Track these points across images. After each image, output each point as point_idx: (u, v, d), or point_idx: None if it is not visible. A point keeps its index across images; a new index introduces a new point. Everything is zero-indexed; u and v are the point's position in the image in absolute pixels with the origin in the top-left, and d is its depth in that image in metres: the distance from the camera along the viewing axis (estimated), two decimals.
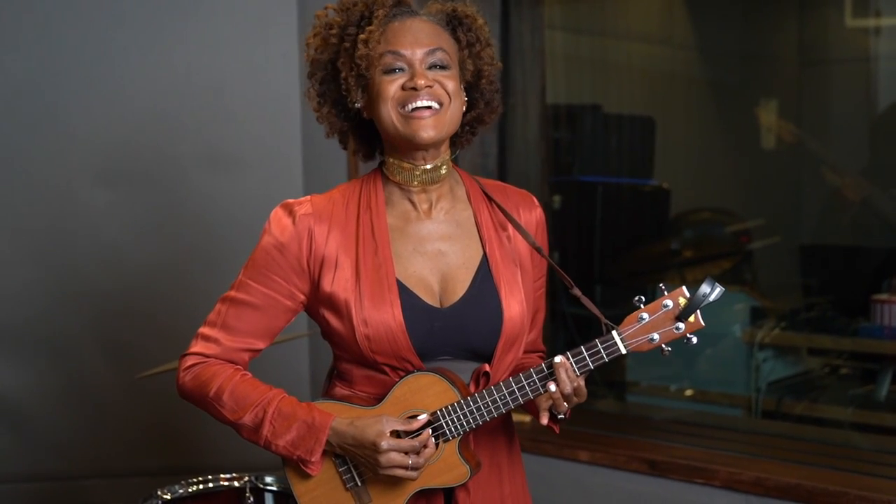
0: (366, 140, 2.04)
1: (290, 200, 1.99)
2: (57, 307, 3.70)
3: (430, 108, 1.88)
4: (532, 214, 2.06)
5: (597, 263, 4.18)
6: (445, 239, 1.98)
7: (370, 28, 1.89)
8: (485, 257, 1.97)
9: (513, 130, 3.83)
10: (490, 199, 2.03)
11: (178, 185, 3.70)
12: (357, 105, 1.95)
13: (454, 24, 1.97)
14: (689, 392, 4.16)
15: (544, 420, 1.90)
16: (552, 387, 1.82)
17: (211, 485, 2.51)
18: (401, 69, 1.90)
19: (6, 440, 3.74)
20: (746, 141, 5.31)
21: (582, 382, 1.86)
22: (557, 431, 1.99)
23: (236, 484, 2.49)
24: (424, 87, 1.87)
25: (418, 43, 1.91)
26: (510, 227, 2.02)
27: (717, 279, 1.81)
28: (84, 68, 3.65)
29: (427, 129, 1.89)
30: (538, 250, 2.02)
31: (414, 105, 1.88)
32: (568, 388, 1.82)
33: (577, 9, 4.85)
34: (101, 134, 3.66)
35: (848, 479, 2.97)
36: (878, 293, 3.79)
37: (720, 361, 4.06)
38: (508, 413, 1.99)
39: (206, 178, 3.68)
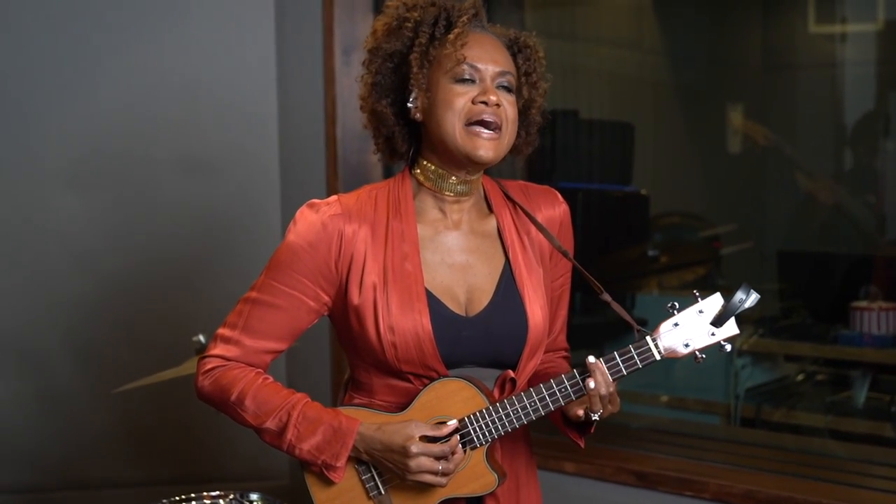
0: (402, 139, 1.99)
1: (316, 200, 1.95)
2: (28, 315, 3.62)
3: (492, 126, 1.86)
4: (556, 211, 2.04)
5: (577, 271, 4.14)
6: (472, 251, 1.96)
7: (457, 30, 1.86)
8: (507, 264, 1.95)
9: None
10: (512, 201, 2.01)
11: (152, 190, 3.63)
12: (412, 105, 1.91)
13: (514, 49, 1.95)
14: (665, 398, 4.15)
15: (579, 412, 1.86)
16: (591, 384, 1.80)
17: (194, 503, 2.45)
18: (471, 81, 1.87)
19: None
20: (715, 145, 5.34)
21: (614, 390, 1.84)
22: (583, 446, 1.98)
23: (221, 502, 2.44)
24: (494, 104, 1.85)
25: (494, 61, 1.89)
26: (533, 228, 2.00)
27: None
28: (57, 71, 3.58)
29: (487, 150, 1.86)
30: (564, 254, 2.00)
31: (480, 118, 1.85)
32: (603, 389, 1.80)
33: (549, 14, 4.84)
34: (73, 138, 3.59)
35: (841, 493, 2.97)
36: (855, 300, 3.81)
37: (699, 368, 4.05)
38: (528, 426, 1.97)
39: (182, 183, 3.62)
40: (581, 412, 1.85)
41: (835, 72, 5.09)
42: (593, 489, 3.20)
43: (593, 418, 1.85)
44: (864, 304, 3.75)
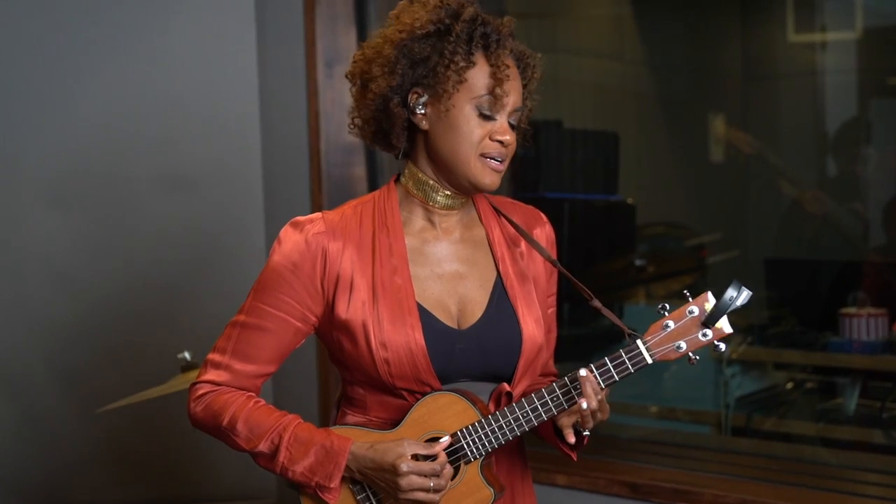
0: (400, 139, 1.93)
1: (300, 218, 1.92)
2: (8, 336, 3.55)
3: (501, 160, 1.86)
4: (542, 231, 2.03)
5: (563, 281, 4.12)
6: (462, 260, 1.93)
7: (499, 67, 1.82)
8: (499, 277, 1.93)
9: None
10: (501, 214, 1.99)
11: (133, 207, 3.57)
12: (421, 112, 1.88)
13: (518, 63, 1.91)
14: (655, 409, 4.13)
15: (570, 438, 1.84)
16: (584, 404, 1.76)
17: None
18: (492, 117, 1.84)
19: None
20: (698, 155, 5.34)
21: (604, 398, 1.81)
22: (575, 459, 1.95)
23: None
24: (509, 144, 1.85)
25: (516, 97, 1.87)
26: (523, 243, 1.98)
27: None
28: (35, 88, 3.53)
29: (495, 181, 1.87)
30: (553, 262, 1.98)
31: (493, 159, 1.85)
32: (594, 404, 1.77)
33: (529, 24, 4.84)
34: (52, 155, 3.53)
35: (834, 500, 2.96)
36: (843, 307, 3.81)
37: (688, 378, 4.05)
38: (522, 438, 1.94)
39: (163, 200, 3.57)
40: (570, 429, 1.83)
41: (815, 80, 5.11)
42: (587, 501, 3.17)
43: (584, 433, 1.84)
44: (852, 310, 3.74)
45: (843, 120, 4.88)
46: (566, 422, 1.84)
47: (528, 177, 4.20)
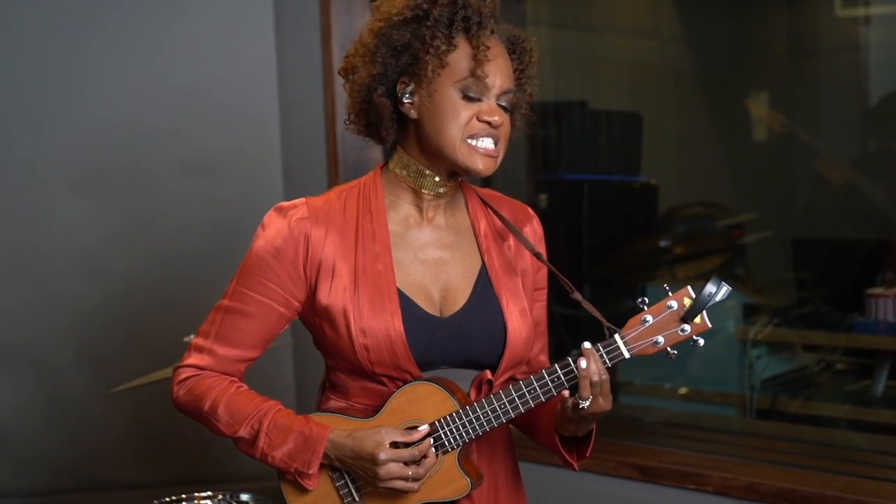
0: (390, 130, 1.91)
1: (285, 203, 1.91)
2: (34, 319, 3.63)
3: (492, 143, 1.83)
4: (529, 226, 2.01)
5: (585, 262, 4.11)
6: (446, 247, 1.92)
7: (480, 47, 1.80)
8: (483, 267, 1.91)
9: None
10: (489, 206, 1.97)
11: (155, 192, 3.62)
12: (408, 100, 1.86)
13: (512, 49, 1.89)
14: (682, 391, 4.10)
15: (568, 405, 1.77)
16: (583, 363, 1.72)
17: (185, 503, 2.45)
18: (478, 98, 1.82)
19: None
20: (737, 133, 5.27)
21: (607, 379, 1.76)
22: (577, 469, 1.92)
23: (209, 503, 2.43)
24: (498, 125, 1.82)
25: (503, 78, 1.84)
26: (511, 237, 1.96)
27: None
28: (56, 75, 3.58)
29: (488, 165, 1.84)
30: (538, 256, 1.95)
31: (484, 140, 1.82)
32: (595, 376, 1.73)
33: (564, 4, 4.81)
34: (76, 141, 3.59)
35: (845, 483, 2.91)
36: (872, 287, 3.72)
37: (713, 360, 4.00)
38: (508, 429, 1.93)
39: (184, 185, 3.61)
40: (570, 404, 1.75)
41: (859, 56, 5.00)
42: (596, 484, 3.16)
43: (581, 405, 1.73)
44: (879, 290, 3.67)
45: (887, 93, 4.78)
46: (560, 416, 1.81)
47: (549, 158, 4.18)
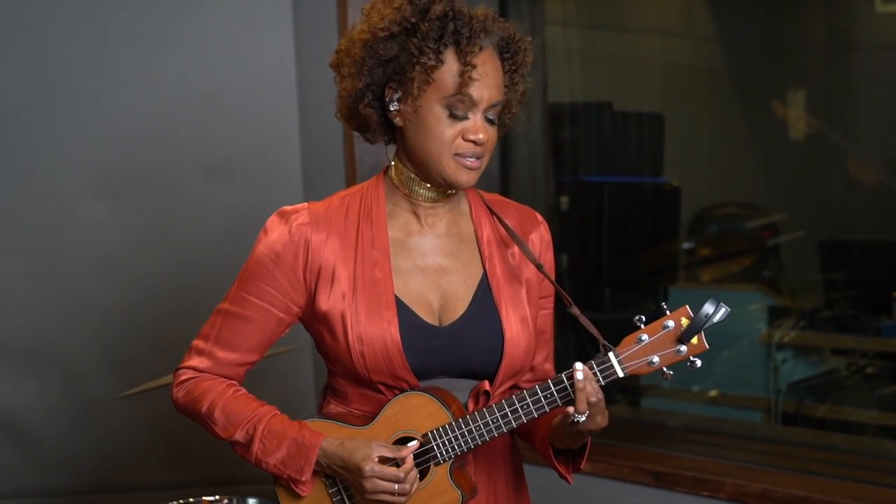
0: (379, 134, 1.92)
1: (286, 208, 1.92)
2: (58, 321, 3.67)
3: (477, 157, 1.82)
4: (536, 232, 1.98)
5: (606, 265, 4.08)
6: (447, 254, 1.91)
7: (469, 67, 1.77)
8: (485, 275, 1.90)
9: (515, 131, 3.75)
10: (494, 213, 1.95)
11: (175, 196, 3.65)
12: (394, 109, 1.84)
13: (504, 48, 1.86)
14: (707, 395, 4.05)
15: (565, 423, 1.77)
16: (579, 374, 1.69)
17: None
18: (464, 116, 1.80)
19: (10, 455, 3.72)
20: (771, 134, 5.20)
21: (602, 398, 1.74)
22: (571, 482, 1.93)
23: None
24: (483, 142, 1.80)
25: (490, 94, 1.80)
26: (516, 247, 1.94)
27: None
28: (78, 80, 3.61)
29: (471, 178, 1.83)
30: (539, 267, 1.91)
31: (468, 157, 1.80)
32: (593, 397, 1.71)
33: (594, 4, 4.77)
34: (97, 146, 3.63)
35: (861, 491, 2.87)
36: None
37: (738, 363, 3.95)
38: (511, 437, 1.93)
39: (204, 189, 3.64)
40: (567, 422, 1.75)
41: None
42: (609, 489, 3.14)
43: (578, 419, 1.72)
44: None
45: None
46: (557, 430, 1.81)
47: (571, 160, 4.15)
